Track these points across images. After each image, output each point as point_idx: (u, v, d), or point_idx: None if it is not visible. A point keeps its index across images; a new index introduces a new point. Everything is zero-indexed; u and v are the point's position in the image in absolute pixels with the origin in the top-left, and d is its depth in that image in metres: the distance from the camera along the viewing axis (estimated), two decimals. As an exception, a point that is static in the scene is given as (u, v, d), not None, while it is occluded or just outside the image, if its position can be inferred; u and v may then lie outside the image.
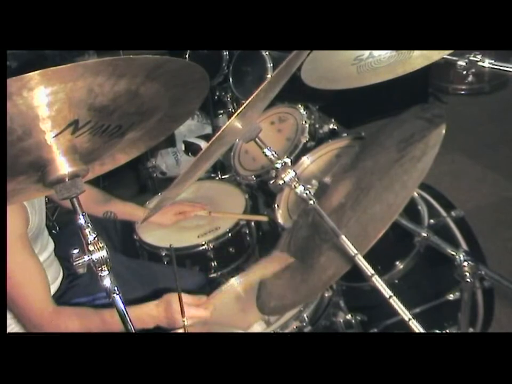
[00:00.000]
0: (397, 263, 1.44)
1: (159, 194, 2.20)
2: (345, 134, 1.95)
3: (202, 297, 1.39)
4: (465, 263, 1.15)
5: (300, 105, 2.07)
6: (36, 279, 1.28)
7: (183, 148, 2.85)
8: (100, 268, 0.83)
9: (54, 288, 1.49)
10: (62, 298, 1.49)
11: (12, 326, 1.36)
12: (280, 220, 1.77)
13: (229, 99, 2.78)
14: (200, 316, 1.31)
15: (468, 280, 1.16)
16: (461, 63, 1.10)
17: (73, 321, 1.28)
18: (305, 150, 1.90)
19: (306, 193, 1.04)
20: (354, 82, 1.16)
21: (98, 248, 0.82)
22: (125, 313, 0.85)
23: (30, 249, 1.27)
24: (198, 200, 1.98)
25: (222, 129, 0.91)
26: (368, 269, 0.96)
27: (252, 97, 0.88)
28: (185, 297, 1.26)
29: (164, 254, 1.76)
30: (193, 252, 1.75)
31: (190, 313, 1.27)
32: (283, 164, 1.05)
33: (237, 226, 1.83)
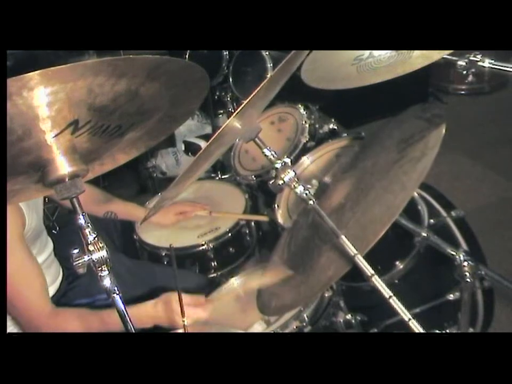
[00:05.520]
0: (397, 263, 1.44)
1: (159, 194, 2.20)
2: (345, 134, 1.94)
3: (200, 298, 1.38)
4: (465, 263, 1.15)
5: (300, 105, 2.06)
6: (34, 280, 1.27)
7: (183, 148, 2.84)
8: (100, 268, 0.83)
9: (53, 288, 1.48)
10: (62, 299, 1.49)
11: (11, 328, 1.35)
12: (280, 220, 1.77)
13: (229, 99, 2.77)
14: (199, 317, 1.31)
15: (468, 280, 1.16)
16: (461, 63, 1.10)
17: (72, 322, 1.28)
18: (305, 150, 1.90)
19: (306, 193, 1.04)
20: (354, 82, 1.16)
21: (98, 248, 0.82)
22: (125, 313, 0.85)
23: (27, 250, 1.27)
24: (198, 200, 1.97)
25: (221, 129, 0.91)
26: (368, 269, 0.96)
27: (251, 96, 0.88)
28: (184, 297, 1.25)
29: (163, 254, 1.76)
30: (193, 251, 1.75)
31: (189, 313, 1.26)
32: (283, 164, 1.05)
33: (237, 226, 1.82)
